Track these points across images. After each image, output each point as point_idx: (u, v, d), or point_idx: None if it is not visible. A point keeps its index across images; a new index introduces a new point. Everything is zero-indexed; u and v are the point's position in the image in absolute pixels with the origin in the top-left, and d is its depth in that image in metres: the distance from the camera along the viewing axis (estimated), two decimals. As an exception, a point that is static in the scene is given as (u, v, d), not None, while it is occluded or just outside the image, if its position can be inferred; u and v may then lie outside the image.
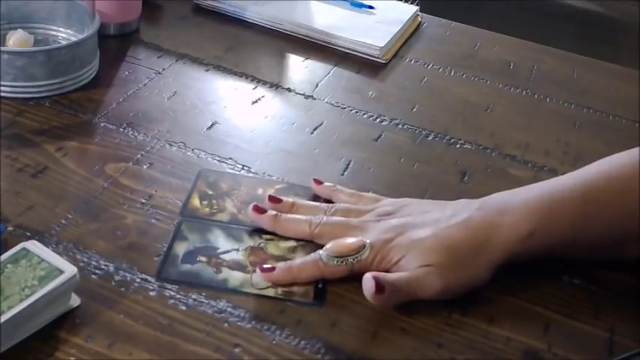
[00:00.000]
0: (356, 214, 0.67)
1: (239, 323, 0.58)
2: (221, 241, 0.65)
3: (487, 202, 0.66)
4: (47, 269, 0.55)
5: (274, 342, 0.57)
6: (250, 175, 0.74)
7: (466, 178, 0.78)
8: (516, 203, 0.64)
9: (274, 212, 0.67)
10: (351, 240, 0.63)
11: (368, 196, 0.71)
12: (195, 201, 0.69)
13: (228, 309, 0.59)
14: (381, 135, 0.84)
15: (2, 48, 0.79)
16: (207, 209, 0.68)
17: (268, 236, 0.66)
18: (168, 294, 0.60)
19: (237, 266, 0.63)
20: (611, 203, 0.65)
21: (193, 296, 0.60)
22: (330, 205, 0.69)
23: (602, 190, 0.65)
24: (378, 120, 0.86)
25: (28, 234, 0.63)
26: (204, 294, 0.60)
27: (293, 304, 0.61)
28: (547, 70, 1.03)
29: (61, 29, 0.90)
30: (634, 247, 0.66)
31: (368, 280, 0.60)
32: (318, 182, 0.72)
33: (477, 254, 0.62)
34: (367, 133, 0.83)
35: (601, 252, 0.67)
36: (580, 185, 0.66)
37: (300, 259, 0.63)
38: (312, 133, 0.82)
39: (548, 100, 0.95)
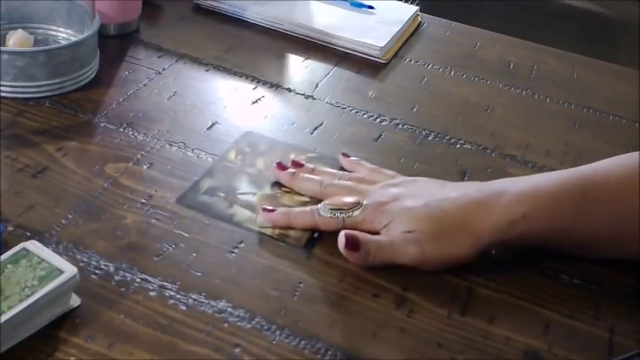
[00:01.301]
0: (367, 184, 0.71)
1: (239, 323, 0.58)
2: (243, 185, 0.72)
3: (487, 185, 0.67)
4: (47, 269, 0.55)
5: (274, 342, 0.57)
6: (289, 142, 0.79)
7: (466, 178, 0.78)
8: (514, 188, 0.65)
9: (294, 170, 0.73)
10: (348, 198, 0.68)
11: (386, 172, 0.74)
12: (231, 155, 0.76)
13: (228, 309, 0.59)
14: (381, 135, 0.84)
15: (2, 48, 0.79)
16: (239, 162, 0.75)
17: (286, 189, 0.72)
18: (168, 294, 0.60)
19: (248, 206, 0.69)
20: (609, 201, 0.65)
21: (193, 296, 0.60)
22: (346, 173, 0.73)
23: (600, 185, 0.65)
24: (378, 120, 0.86)
25: (28, 234, 0.63)
26: (204, 294, 0.60)
27: (284, 244, 0.66)
28: (547, 70, 1.03)
29: (61, 29, 0.90)
30: (631, 248, 0.66)
31: (340, 236, 0.64)
32: (346, 155, 0.77)
33: (461, 229, 0.64)
34: (367, 133, 0.83)
35: (598, 250, 0.67)
36: (579, 179, 0.66)
37: (300, 208, 0.69)
38: (312, 133, 0.82)
39: (548, 100, 0.95)
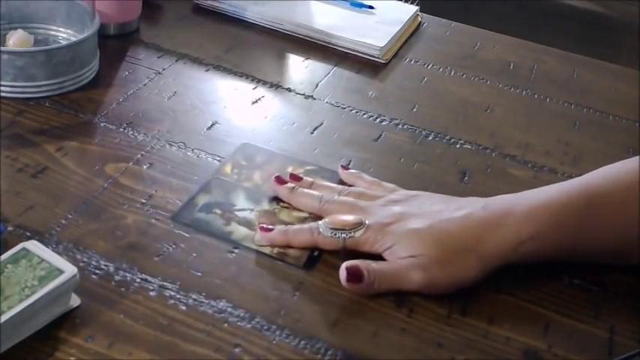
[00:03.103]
0: (367, 199, 0.68)
1: (239, 323, 0.58)
2: (240, 200, 0.70)
3: (492, 202, 0.65)
4: (47, 269, 0.55)
5: (274, 342, 0.57)
6: (286, 153, 0.77)
7: (466, 178, 0.78)
8: (521, 206, 0.64)
9: (292, 185, 0.70)
10: (349, 217, 0.65)
11: (385, 185, 0.72)
12: (227, 168, 0.74)
13: (228, 309, 0.59)
14: (381, 135, 0.84)
15: (2, 48, 0.79)
16: (235, 176, 0.73)
17: (285, 204, 0.70)
18: (168, 294, 0.60)
19: (246, 223, 0.67)
20: (614, 211, 0.64)
21: (193, 296, 0.60)
22: (346, 187, 0.71)
23: (605, 196, 0.65)
24: (378, 120, 0.86)
25: (28, 234, 0.63)
26: (203, 294, 0.60)
27: (283, 263, 0.64)
28: (547, 70, 1.03)
29: (61, 29, 0.90)
30: (635, 257, 0.66)
31: (342, 270, 0.62)
32: (345, 168, 0.75)
33: (468, 253, 0.62)
34: (367, 133, 0.83)
35: (604, 259, 0.67)
36: (585, 190, 0.65)
37: (298, 225, 0.66)
38: (312, 133, 0.82)
39: (548, 100, 0.95)
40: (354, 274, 0.61)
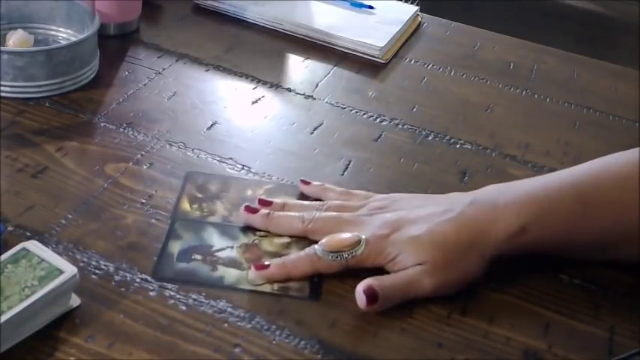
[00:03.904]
0: (349, 210, 0.67)
1: (239, 323, 0.58)
2: (215, 239, 0.65)
3: (480, 196, 0.65)
4: (47, 269, 0.55)
5: (274, 342, 0.57)
6: (238, 176, 0.73)
7: (466, 178, 0.78)
8: (509, 198, 0.64)
9: (266, 211, 0.67)
10: (346, 235, 0.63)
11: (358, 193, 0.70)
12: (185, 205, 0.68)
13: (228, 309, 0.59)
14: (381, 135, 0.84)
15: (2, 48, 0.79)
16: (197, 212, 0.68)
17: (262, 233, 0.67)
18: (168, 294, 0.60)
19: (233, 263, 0.63)
20: (606, 201, 0.65)
21: (193, 296, 0.60)
22: (322, 202, 0.69)
23: (595, 188, 0.65)
24: (378, 120, 0.86)
25: (28, 234, 0.63)
26: (203, 294, 0.60)
27: (290, 299, 0.61)
28: (547, 70, 1.03)
29: (61, 29, 0.90)
30: (628, 249, 0.65)
31: (359, 294, 0.60)
32: (306, 182, 0.72)
33: (469, 250, 0.62)
34: (367, 133, 0.83)
35: (596, 253, 0.67)
36: (574, 181, 0.66)
37: (294, 255, 0.63)
38: (312, 133, 0.82)
39: (548, 100, 0.95)
40: (372, 295, 0.60)
